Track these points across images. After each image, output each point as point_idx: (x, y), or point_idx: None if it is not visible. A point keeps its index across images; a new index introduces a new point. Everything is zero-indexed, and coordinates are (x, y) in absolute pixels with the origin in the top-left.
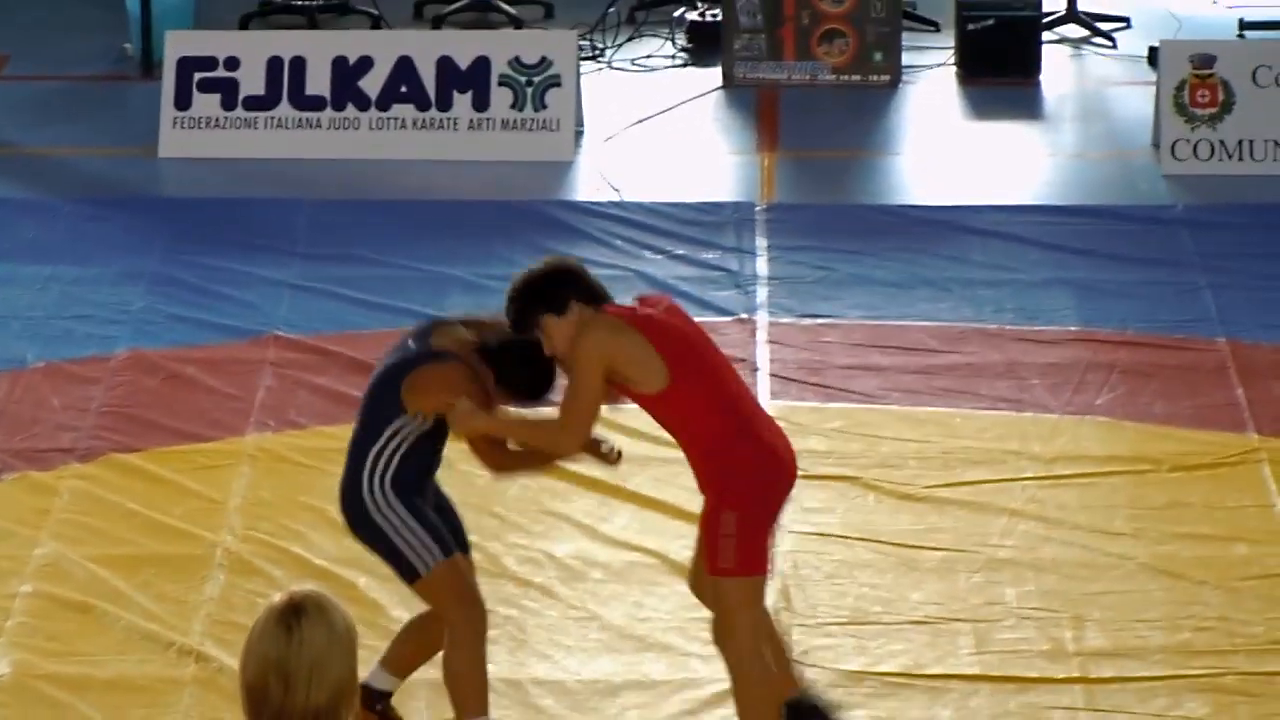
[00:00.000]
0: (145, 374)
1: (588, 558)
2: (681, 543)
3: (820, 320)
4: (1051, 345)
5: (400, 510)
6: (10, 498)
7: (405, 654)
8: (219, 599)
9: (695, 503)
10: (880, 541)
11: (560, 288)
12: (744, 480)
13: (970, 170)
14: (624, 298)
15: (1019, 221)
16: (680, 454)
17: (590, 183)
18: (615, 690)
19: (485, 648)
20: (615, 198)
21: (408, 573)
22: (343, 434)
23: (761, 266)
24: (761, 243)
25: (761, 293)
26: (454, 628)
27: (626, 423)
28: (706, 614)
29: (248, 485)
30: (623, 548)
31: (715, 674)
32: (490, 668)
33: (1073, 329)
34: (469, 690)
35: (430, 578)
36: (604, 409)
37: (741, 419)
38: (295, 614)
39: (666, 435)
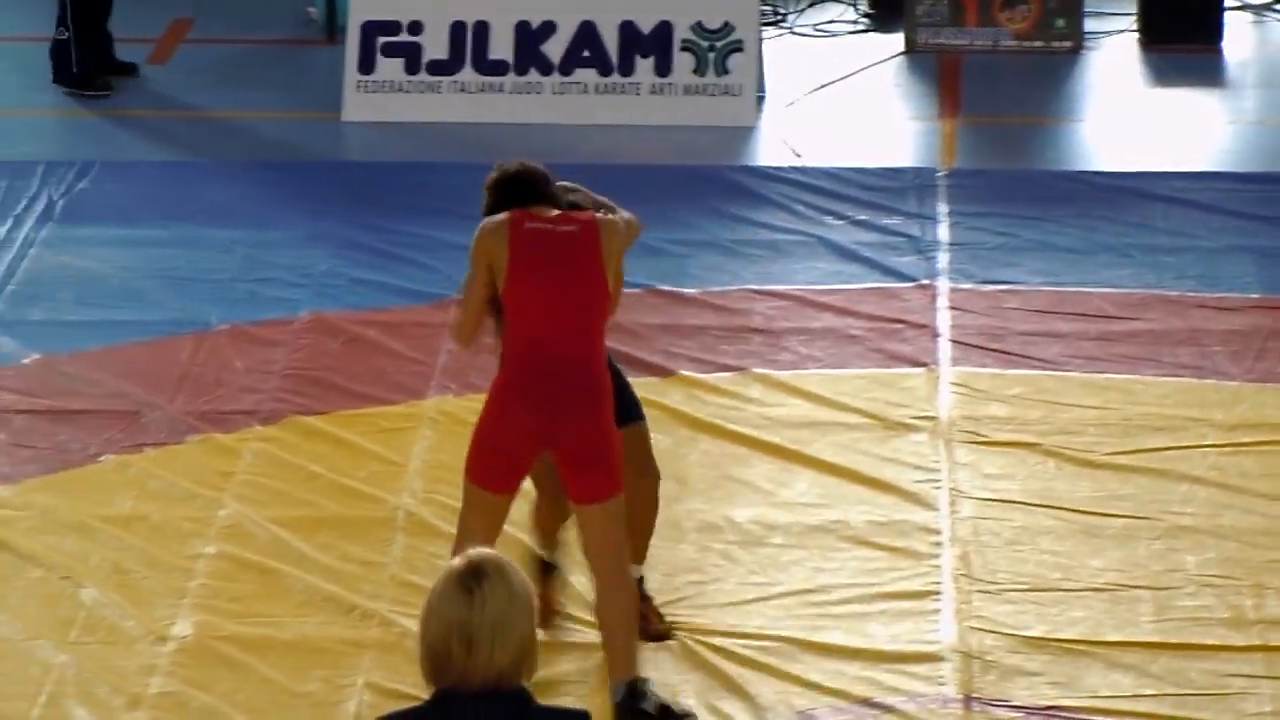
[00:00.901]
0: (327, 337)
1: (768, 523)
2: (861, 509)
3: (1001, 286)
4: (1233, 312)
5: None
6: (194, 460)
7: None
8: (401, 561)
9: (877, 469)
10: (1060, 508)
11: (494, 195)
12: (490, 401)
13: (1152, 137)
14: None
15: (1200, 188)
16: (860, 420)
17: (772, 148)
18: (795, 656)
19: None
20: (797, 163)
21: None
22: None
23: (943, 232)
24: (943, 208)
25: (943, 258)
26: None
27: (808, 388)
28: (882, 583)
29: (429, 448)
30: (802, 513)
31: (894, 636)
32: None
33: (1254, 296)
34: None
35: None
36: (785, 375)
37: (520, 350)
38: (476, 576)
39: (849, 401)
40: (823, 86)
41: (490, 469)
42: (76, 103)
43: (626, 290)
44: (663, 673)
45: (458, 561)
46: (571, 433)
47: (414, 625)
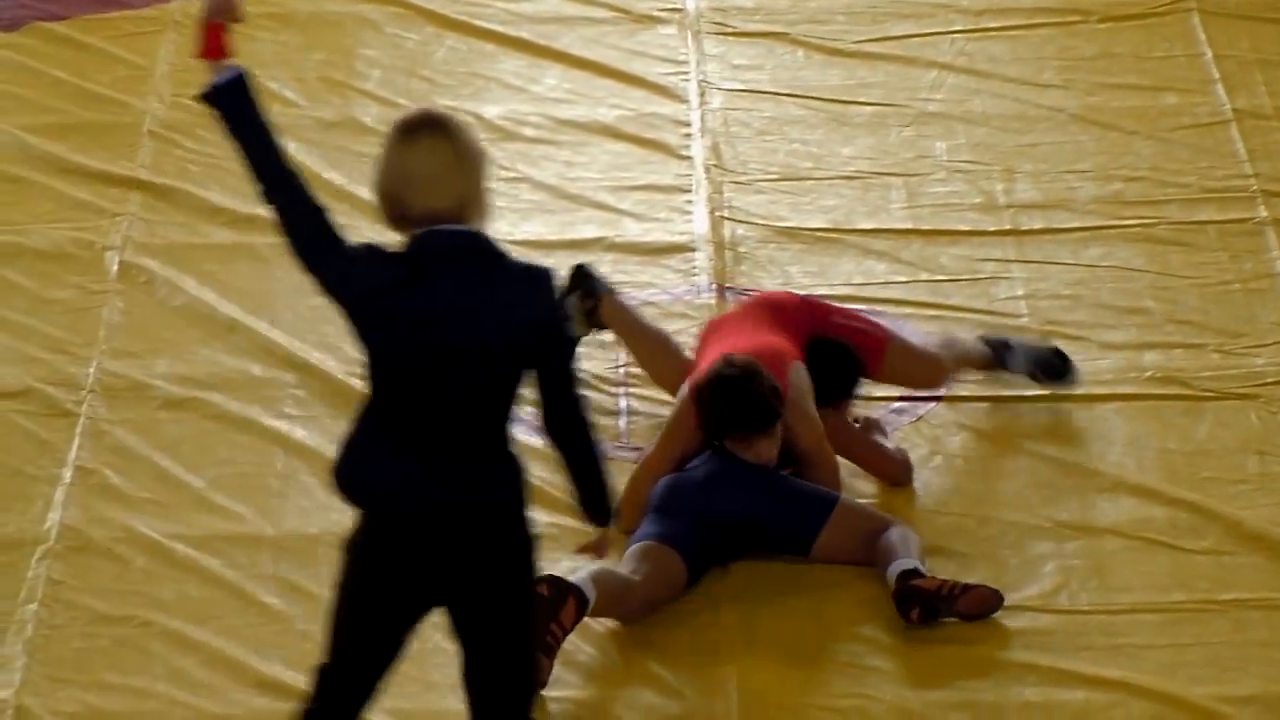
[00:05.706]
0: None
1: (518, 118)
2: (611, 103)
3: None
4: None
5: None
6: None
7: None
8: (150, 166)
9: (626, 62)
10: (810, 97)
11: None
12: None
13: None
14: None
15: None
16: (607, 14)
17: None
18: (549, 248)
19: None
20: None
21: None
22: None
23: None
24: None
25: None
26: None
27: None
28: (633, 177)
29: (175, 52)
30: (552, 108)
31: (647, 230)
32: None
33: None
34: None
35: None
36: None
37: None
38: (417, 127)
39: None
40: None
41: None
42: None
43: None
44: None
45: (407, 113)
46: None
47: (161, 223)
